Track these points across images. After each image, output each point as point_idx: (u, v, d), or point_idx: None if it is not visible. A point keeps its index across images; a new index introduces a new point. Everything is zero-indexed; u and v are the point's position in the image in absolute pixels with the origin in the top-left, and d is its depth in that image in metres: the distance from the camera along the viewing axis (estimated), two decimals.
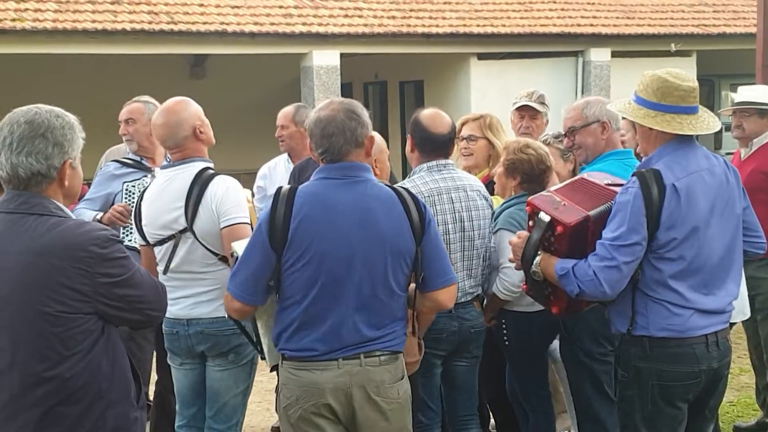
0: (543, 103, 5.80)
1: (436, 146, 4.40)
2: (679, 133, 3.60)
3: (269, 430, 6.13)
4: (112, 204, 5.26)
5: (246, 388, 4.37)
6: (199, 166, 4.21)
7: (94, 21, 13.93)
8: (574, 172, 4.99)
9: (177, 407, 4.46)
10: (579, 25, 17.06)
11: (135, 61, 15.65)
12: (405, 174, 14.74)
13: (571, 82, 17.07)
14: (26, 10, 13.73)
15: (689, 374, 3.59)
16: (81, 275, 2.76)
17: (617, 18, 17.54)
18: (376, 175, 3.69)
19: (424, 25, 16.11)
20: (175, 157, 4.27)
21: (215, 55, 16.63)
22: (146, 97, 5.62)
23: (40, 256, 2.76)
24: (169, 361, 4.44)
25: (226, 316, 3.71)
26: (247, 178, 4.96)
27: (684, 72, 3.72)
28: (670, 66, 4.02)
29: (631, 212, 3.49)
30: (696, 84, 3.68)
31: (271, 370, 3.81)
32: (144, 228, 4.26)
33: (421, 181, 4.34)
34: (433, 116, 4.44)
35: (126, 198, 5.27)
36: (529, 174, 4.59)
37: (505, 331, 4.65)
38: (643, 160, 3.73)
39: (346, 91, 17.07)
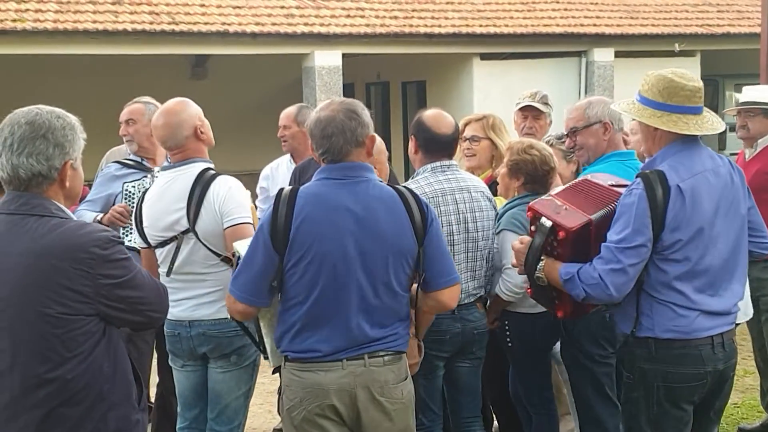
0: (546, 104, 5.79)
1: (440, 147, 4.38)
2: (685, 134, 3.59)
3: None
4: (113, 205, 5.25)
5: (248, 390, 4.36)
6: (200, 166, 4.20)
7: (95, 21, 13.93)
8: (576, 173, 4.97)
9: (178, 409, 4.45)
10: (582, 25, 17.05)
11: (136, 61, 15.65)
12: (408, 175, 14.71)
13: (574, 83, 17.06)
14: (27, 10, 13.73)
15: (695, 376, 3.58)
16: (82, 276, 2.76)
17: (620, 18, 17.53)
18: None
19: (426, 25, 16.09)
20: (175, 158, 4.26)
21: (217, 55, 16.64)
22: (147, 98, 5.61)
23: (41, 258, 2.76)
24: (170, 363, 4.43)
25: (229, 317, 3.70)
26: (248, 179, 4.94)
27: (688, 72, 3.70)
28: (673, 66, 3.99)
29: (635, 214, 3.47)
30: (701, 84, 3.67)
31: (274, 372, 3.80)
32: (145, 230, 4.25)
33: (426, 182, 4.33)
34: (436, 117, 4.42)
35: (125, 199, 5.26)
36: (533, 175, 4.58)
37: (507, 333, 4.64)
38: (647, 160, 3.71)
39: (348, 91, 17.06)
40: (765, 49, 9.80)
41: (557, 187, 4.15)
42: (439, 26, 16.13)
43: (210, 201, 4.11)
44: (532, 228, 3.72)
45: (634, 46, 17.29)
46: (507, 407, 5.03)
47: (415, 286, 3.55)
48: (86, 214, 5.16)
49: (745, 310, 4.66)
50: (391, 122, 19.49)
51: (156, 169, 5.20)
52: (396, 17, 16.15)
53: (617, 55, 17.14)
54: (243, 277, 3.47)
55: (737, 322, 4.00)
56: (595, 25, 17.14)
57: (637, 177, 3.56)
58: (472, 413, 4.59)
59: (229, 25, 14.81)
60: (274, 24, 15.13)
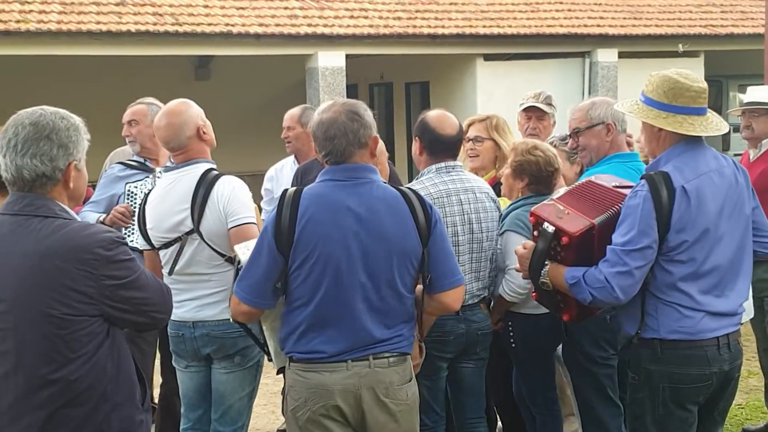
0: (550, 104, 5.78)
1: (444, 148, 4.37)
2: (691, 134, 3.58)
3: None
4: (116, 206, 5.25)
5: (252, 390, 4.35)
6: (203, 167, 4.20)
7: (98, 22, 13.93)
8: (580, 175, 4.96)
9: (182, 410, 4.45)
10: (586, 25, 17.04)
11: (139, 62, 15.67)
12: (411, 176, 14.71)
13: (578, 83, 17.05)
14: (30, 11, 13.74)
15: (700, 377, 3.57)
16: (86, 277, 2.76)
17: (624, 18, 17.51)
18: None
19: (429, 26, 16.09)
20: (178, 159, 4.25)
21: (220, 56, 16.64)
22: (150, 99, 5.62)
23: (45, 258, 2.75)
24: (174, 364, 4.43)
25: (231, 319, 3.70)
26: (251, 180, 4.94)
27: (693, 73, 3.70)
28: (677, 66, 3.99)
29: (640, 216, 3.46)
30: (706, 85, 3.66)
31: (278, 373, 3.79)
32: (149, 232, 4.24)
33: (431, 182, 4.33)
34: (440, 117, 4.42)
35: (128, 199, 5.26)
36: (537, 176, 4.57)
37: (511, 334, 4.63)
38: (651, 162, 3.70)
39: (352, 92, 17.07)
40: None
41: (560, 190, 4.14)
42: (443, 27, 16.13)
43: (214, 201, 4.11)
44: (535, 233, 3.70)
45: (637, 47, 17.28)
46: (511, 408, 5.02)
47: (419, 287, 3.55)
48: (90, 215, 5.16)
49: (747, 309, 4.65)
50: (395, 123, 19.50)
51: (158, 169, 5.20)
52: (399, 18, 16.14)
53: (621, 55, 17.14)
54: (248, 279, 3.47)
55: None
56: (598, 25, 17.14)
57: (641, 178, 3.55)
58: (475, 414, 4.58)
59: (232, 26, 14.81)
60: (277, 25, 15.14)
